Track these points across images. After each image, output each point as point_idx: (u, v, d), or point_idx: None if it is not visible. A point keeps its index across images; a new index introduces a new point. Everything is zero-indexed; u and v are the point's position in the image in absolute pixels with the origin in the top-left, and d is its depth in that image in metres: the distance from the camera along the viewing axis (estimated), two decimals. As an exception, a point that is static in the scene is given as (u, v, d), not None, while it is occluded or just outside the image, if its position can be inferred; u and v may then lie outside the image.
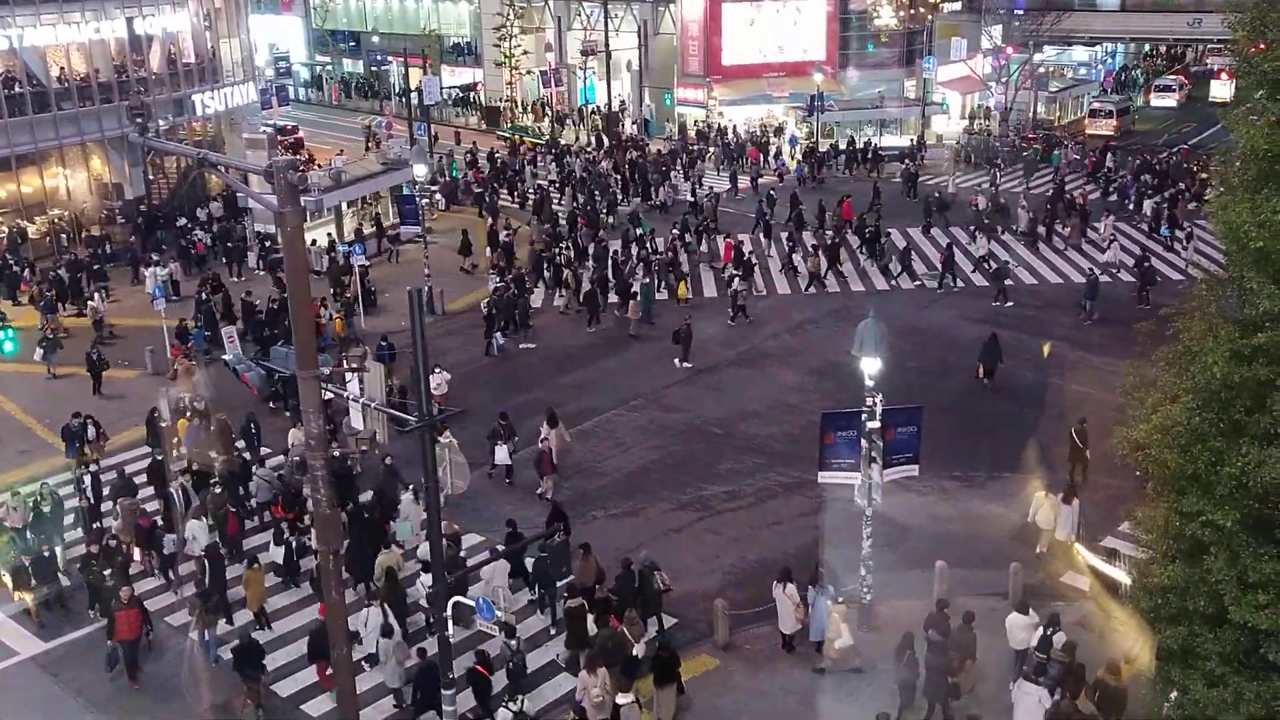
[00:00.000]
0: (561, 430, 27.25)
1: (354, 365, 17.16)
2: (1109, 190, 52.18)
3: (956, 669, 18.79)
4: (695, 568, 23.33)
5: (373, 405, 16.96)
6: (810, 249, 41.48)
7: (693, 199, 49.55)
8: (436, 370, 28.42)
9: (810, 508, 25.18)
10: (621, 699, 18.12)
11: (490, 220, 46.19)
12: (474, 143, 63.12)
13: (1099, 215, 45.69)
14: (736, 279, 37.57)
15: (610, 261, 40.13)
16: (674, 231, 43.55)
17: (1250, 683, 13.06)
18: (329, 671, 18.75)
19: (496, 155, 59.47)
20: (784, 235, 44.29)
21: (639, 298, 36.30)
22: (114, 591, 20.83)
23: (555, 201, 50.32)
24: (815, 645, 20.21)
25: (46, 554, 22.70)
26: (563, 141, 64.60)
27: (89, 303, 37.81)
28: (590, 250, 42.11)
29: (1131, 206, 48.63)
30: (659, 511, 25.40)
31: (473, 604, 17.32)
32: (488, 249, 42.62)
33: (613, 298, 38.14)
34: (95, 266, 41.75)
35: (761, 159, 58.11)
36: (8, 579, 22.50)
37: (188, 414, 28.31)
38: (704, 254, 43.19)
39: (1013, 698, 17.82)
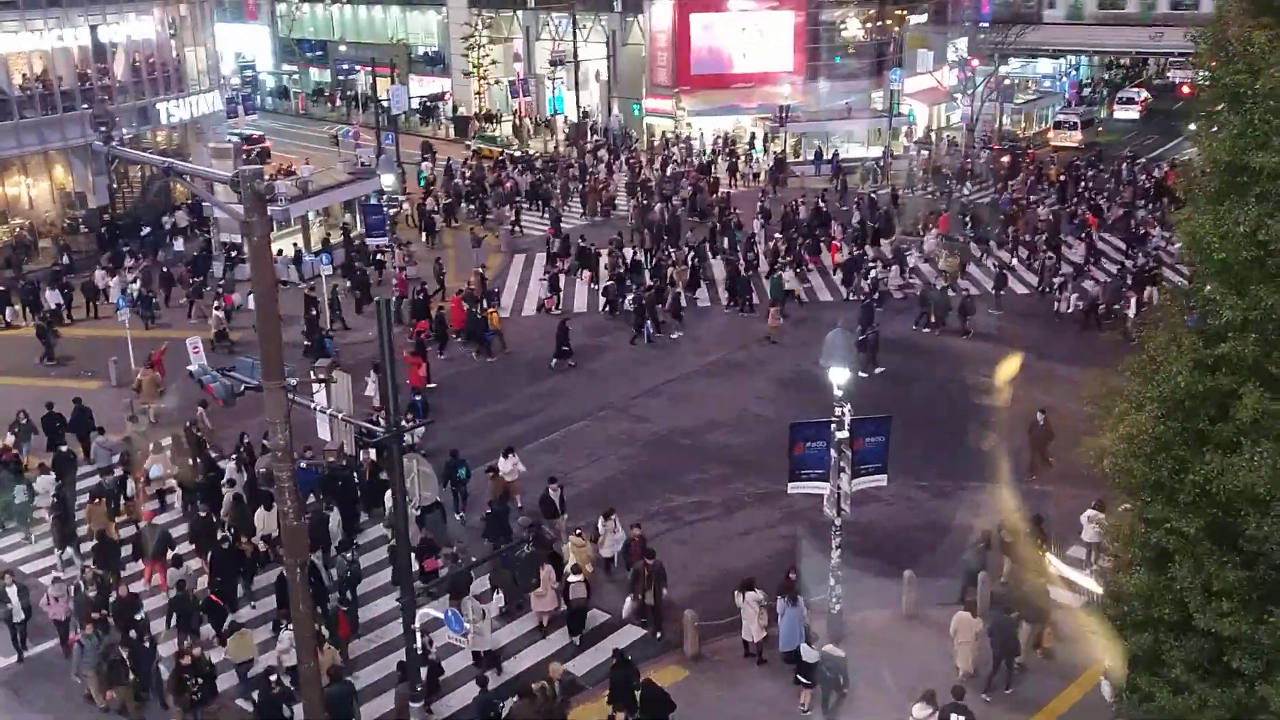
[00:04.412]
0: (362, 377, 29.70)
1: (321, 376, 17.05)
2: (941, 194, 52.90)
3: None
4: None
5: (340, 416, 16.84)
6: (951, 250, 42.15)
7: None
8: (509, 455, 25.94)
9: (779, 518, 25.24)
10: (573, 578, 21.22)
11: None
12: (504, 152, 62.89)
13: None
14: (875, 268, 40.05)
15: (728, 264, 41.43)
16: (777, 236, 44.02)
17: (1214, 689, 13.17)
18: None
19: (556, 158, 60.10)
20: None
21: (771, 295, 37.86)
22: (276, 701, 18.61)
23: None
24: (784, 656, 20.22)
25: (146, 644, 20.03)
26: (530, 152, 64.48)
27: (214, 311, 36.52)
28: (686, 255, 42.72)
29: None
30: (628, 522, 25.29)
31: (441, 615, 17.26)
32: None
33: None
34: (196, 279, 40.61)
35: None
36: (92, 682, 19.75)
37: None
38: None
39: None
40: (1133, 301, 35.77)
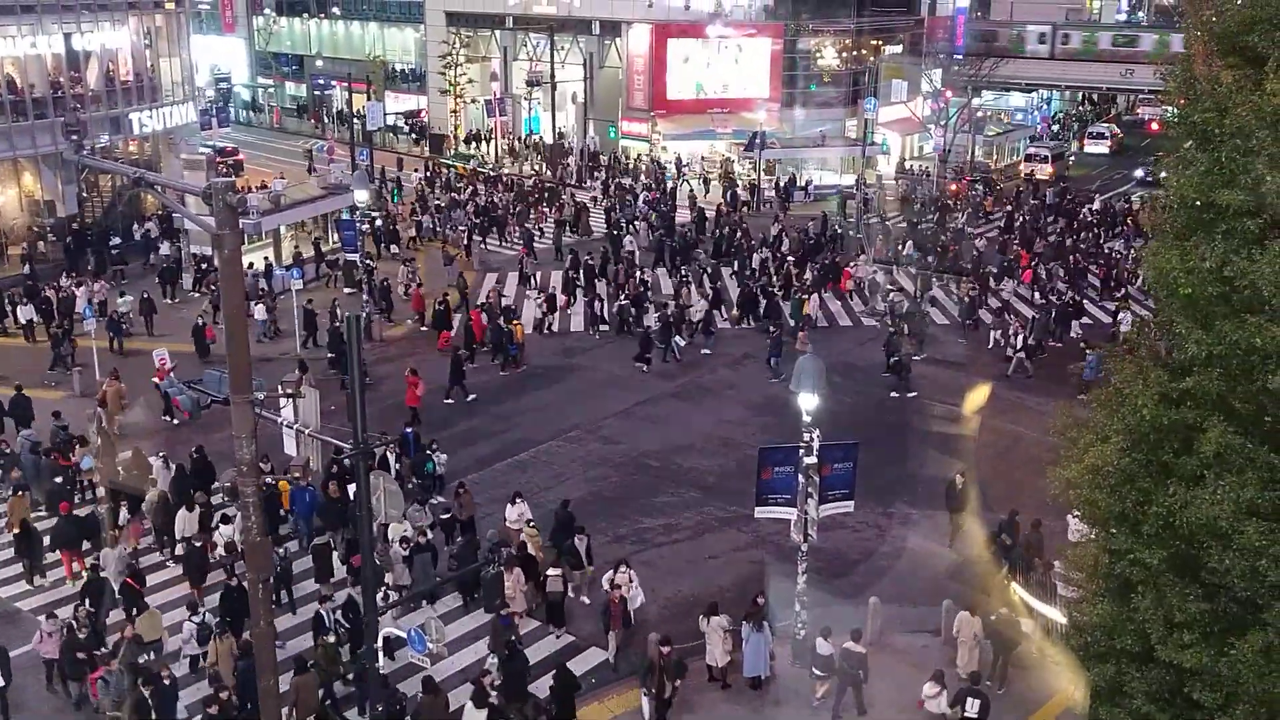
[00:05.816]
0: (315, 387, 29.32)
1: (289, 390, 16.93)
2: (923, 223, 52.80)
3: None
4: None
5: (306, 432, 16.71)
6: (966, 278, 42.84)
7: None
8: (517, 500, 25.15)
9: (747, 542, 25.24)
10: (551, 573, 21.84)
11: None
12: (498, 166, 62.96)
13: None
14: (894, 292, 41.34)
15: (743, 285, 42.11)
16: (789, 260, 44.87)
17: (1175, 721, 13.25)
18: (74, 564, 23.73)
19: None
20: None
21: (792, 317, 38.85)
22: None
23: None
24: (749, 681, 20.17)
25: (167, 681, 18.96)
26: (504, 171, 64.51)
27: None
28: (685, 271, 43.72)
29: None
30: (596, 544, 25.10)
31: (404, 635, 17.11)
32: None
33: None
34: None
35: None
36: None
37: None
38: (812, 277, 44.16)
39: None
40: (1019, 338, 35.52)
